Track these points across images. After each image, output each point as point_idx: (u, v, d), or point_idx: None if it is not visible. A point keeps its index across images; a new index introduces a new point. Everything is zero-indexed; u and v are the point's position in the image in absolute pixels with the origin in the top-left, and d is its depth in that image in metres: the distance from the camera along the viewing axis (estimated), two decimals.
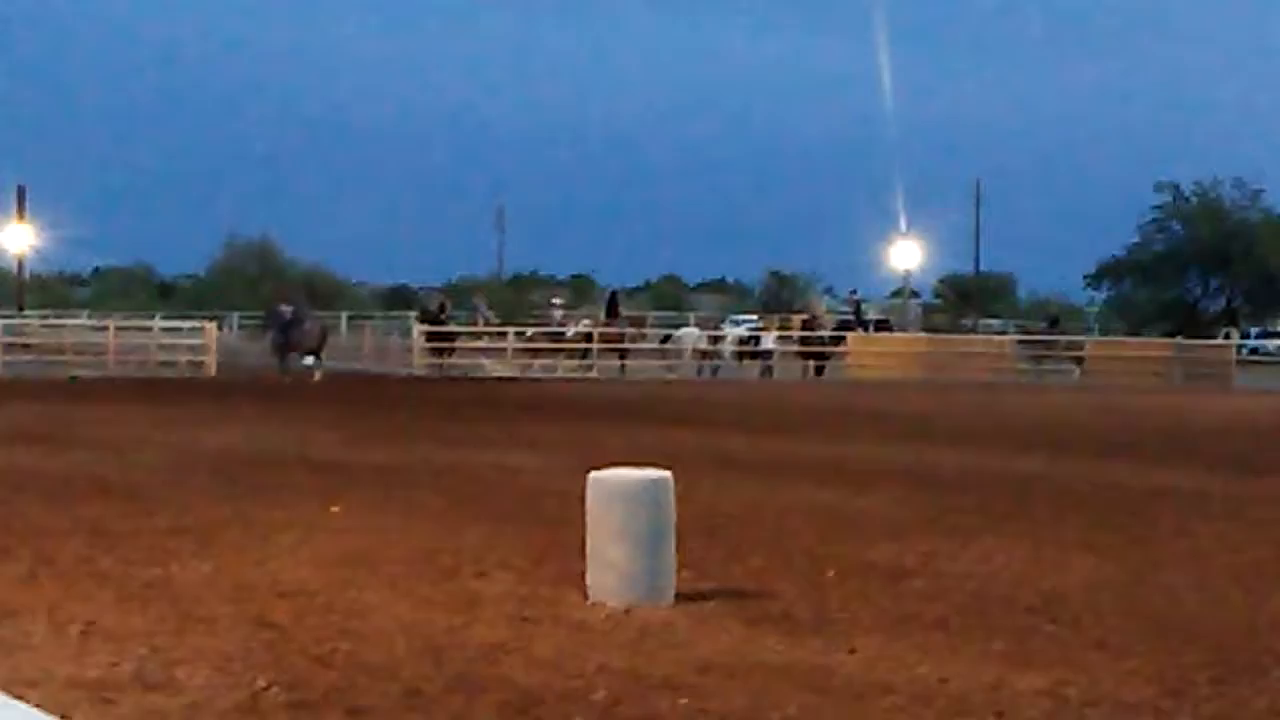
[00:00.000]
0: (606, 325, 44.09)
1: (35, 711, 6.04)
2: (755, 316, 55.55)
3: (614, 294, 49.92)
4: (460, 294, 57.65)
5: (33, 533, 10.91)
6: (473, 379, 39.37)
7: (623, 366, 43.00)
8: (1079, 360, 46.80)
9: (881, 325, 52.08)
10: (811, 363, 44.46)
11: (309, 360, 36.52)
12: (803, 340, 45.14)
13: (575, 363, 43.05)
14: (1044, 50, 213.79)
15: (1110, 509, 13.62)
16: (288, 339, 37.31)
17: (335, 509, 12.45)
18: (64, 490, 13.49)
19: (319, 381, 34.78)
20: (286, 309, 38.22)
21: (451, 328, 43.79)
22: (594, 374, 41.59)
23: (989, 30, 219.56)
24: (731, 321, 47.11)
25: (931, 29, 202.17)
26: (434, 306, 44.77)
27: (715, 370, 43.21)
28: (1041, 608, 8.82)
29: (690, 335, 45.15)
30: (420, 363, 41.36)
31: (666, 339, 45.86)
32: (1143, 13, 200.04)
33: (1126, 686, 6.99)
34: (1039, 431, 24.00)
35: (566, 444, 18.95)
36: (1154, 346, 51.61)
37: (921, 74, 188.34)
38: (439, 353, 42.35)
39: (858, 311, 51.06)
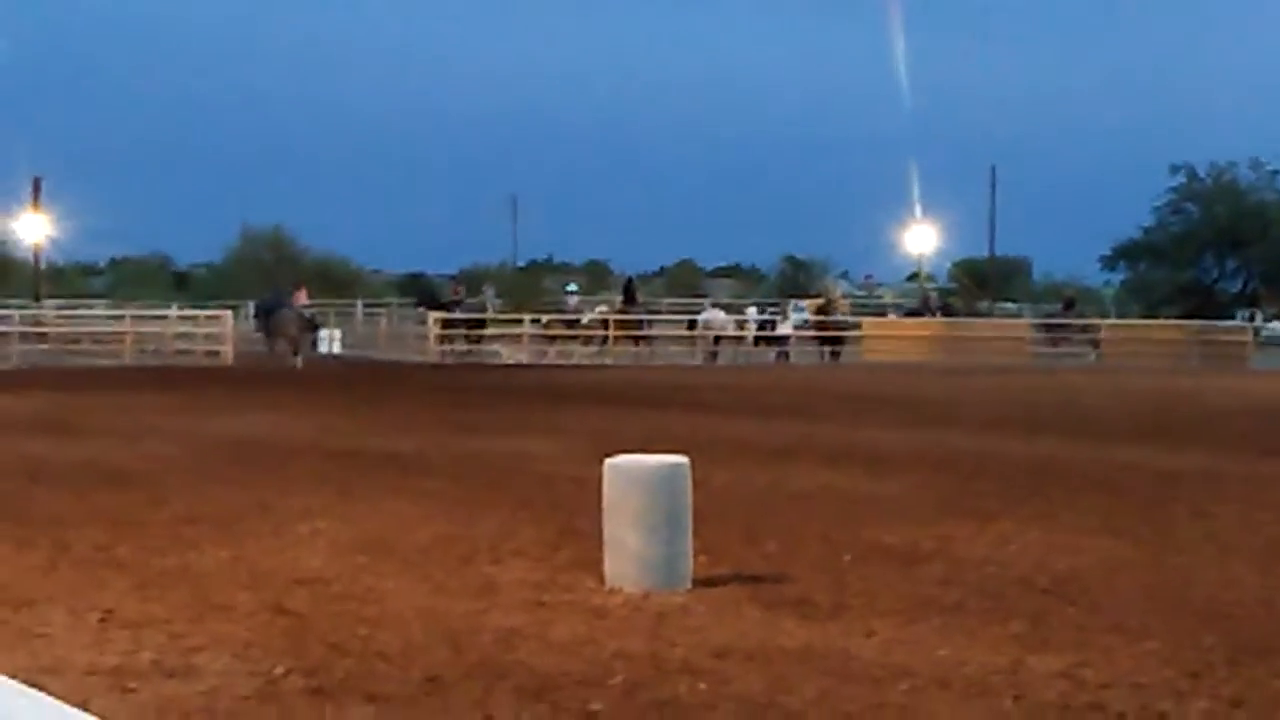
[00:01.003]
0: (624, 311, 44.07)
1: (52, 700, 6.05)
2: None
3: (630, 280, 49.95)
4: (473, 281, 57.68)
5: (51, 522, 10.95)
6: (488, 366, 39.40)
7: (640, 353, 42.98)
8: (1095, 343, 46.71)
9: (947, 310, 52.88)
10: (828, 348, 44.43)
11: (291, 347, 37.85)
12: (819, 325, 45.05)
13: (592, 349, 43.05)
14: (1059, 33, 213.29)
15: (1126, 491, 13.60)
16: (268, 326, 38.68)
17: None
18: (81, 479, 13.53)
19: (300, 368, 35.62)
20: (269, 298, 39.82)
21: (466, 315, 43.82)
22: (610, 360, 41.58)
23: (1003, 14, 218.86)
24: (796, 308, 47.26)
25: (946, 12, 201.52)
26: (447, 295, 44.84)
27: (786, 356, 43.39)
28: (1058, 590, 8.81)
29: (717, 318, 44.90)
30: (435, 350, 41.35)
31: (693, 324, 45.69)
32: None
33: (1144, 668, 6.99)
34: (1055, 414, 23.97)
35: (583, 430, 18.96)
36: (1170, 329, 51.47)
37: (936, 58, 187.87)
38: (468, 340, 42.60)
39: (926, 300, 51.95)
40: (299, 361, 36.44)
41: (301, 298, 39.73)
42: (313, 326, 40.54)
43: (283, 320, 38.07)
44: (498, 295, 49.03)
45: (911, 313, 50.30)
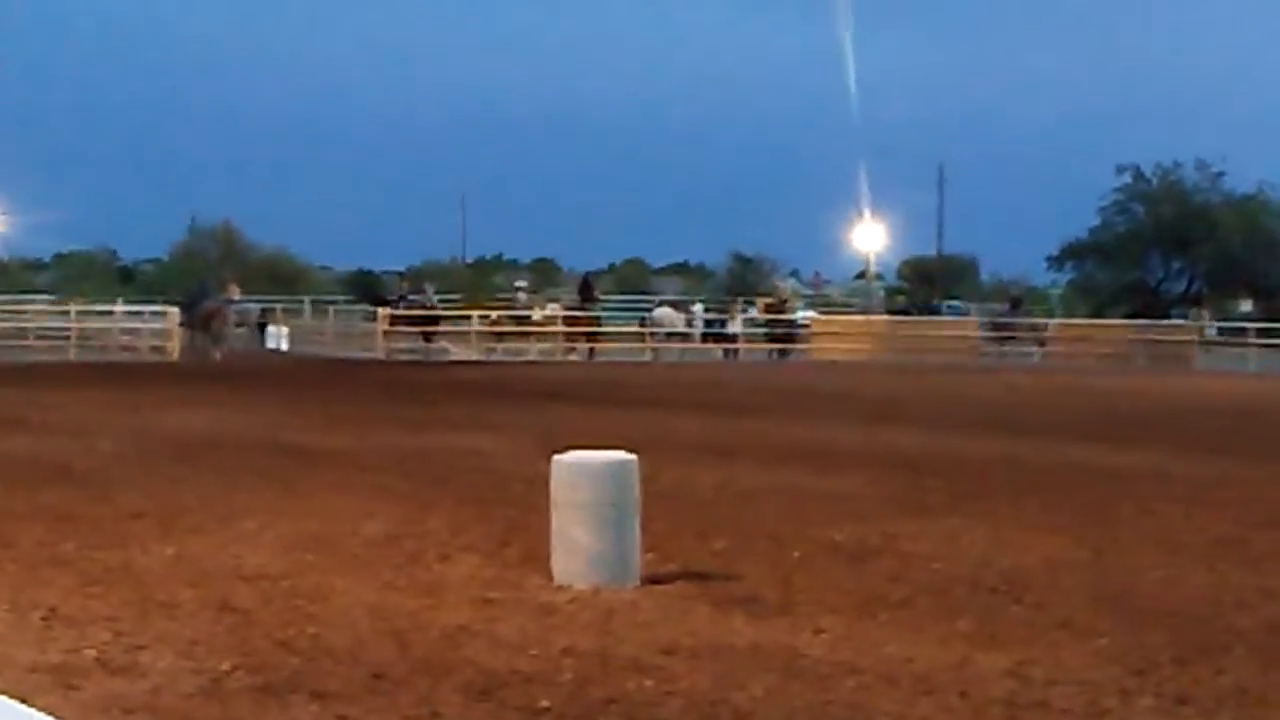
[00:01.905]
0: (581, 308, 44.00)
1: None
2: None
3: (587, 277, 49.87)
4: (421, 278, 57.54)
5: None
6: (437, 363, 39.31)
7: (593, 350, 42.90)
8: (1041, 342, 46.99)
9: (930, 310, 54.86)
10: (776, 346, 44.56)
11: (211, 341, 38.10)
12: (768, 323, 45.20)
13: (545, 346, 42.98)
14: (1008, 32, 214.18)
15: (1073, 490, 13.66)
16: (191, 319, 38.83)
17: None
18: (25, 475, 13.39)
19: (217, 361, 36.28)
20: (194, 291, 40.06)
21: (418, 312, 43.68)
22: (560, 357, 41.55)
23: (952, 13, 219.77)
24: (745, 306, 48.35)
25: (894, 10, 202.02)
26: (394, 292, 44.86)
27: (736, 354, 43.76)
28: (1006, 588, 8.84)
29: (667, 315, 45.06)
30: (383, 346, 41.23)
31: (644, 322, 45.84)
32: None
33: (1090, 666, 7.01)
34: (1002, 413, 24.07)
35: (531, 427, 18.92)
36: (1116, 328, 51.79)
37: (885, 56, 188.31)
38: (419, 337, 42.52)
39: (913, 299, 54.40)
40: (217, 355, 36.76)
41: (234, 293, 39.81)
42: (241, 322, 40.63)
43: (202, 314, 38.25)
44: (437, 292, 48.95)
45: (897, 311, 52.87)
